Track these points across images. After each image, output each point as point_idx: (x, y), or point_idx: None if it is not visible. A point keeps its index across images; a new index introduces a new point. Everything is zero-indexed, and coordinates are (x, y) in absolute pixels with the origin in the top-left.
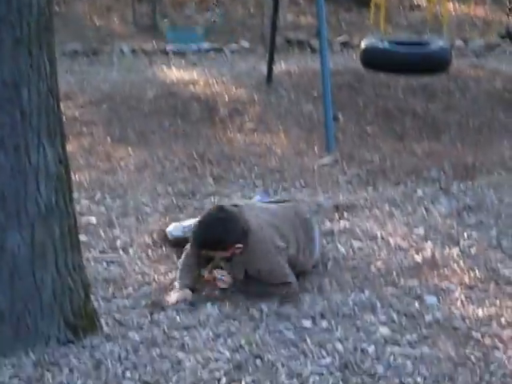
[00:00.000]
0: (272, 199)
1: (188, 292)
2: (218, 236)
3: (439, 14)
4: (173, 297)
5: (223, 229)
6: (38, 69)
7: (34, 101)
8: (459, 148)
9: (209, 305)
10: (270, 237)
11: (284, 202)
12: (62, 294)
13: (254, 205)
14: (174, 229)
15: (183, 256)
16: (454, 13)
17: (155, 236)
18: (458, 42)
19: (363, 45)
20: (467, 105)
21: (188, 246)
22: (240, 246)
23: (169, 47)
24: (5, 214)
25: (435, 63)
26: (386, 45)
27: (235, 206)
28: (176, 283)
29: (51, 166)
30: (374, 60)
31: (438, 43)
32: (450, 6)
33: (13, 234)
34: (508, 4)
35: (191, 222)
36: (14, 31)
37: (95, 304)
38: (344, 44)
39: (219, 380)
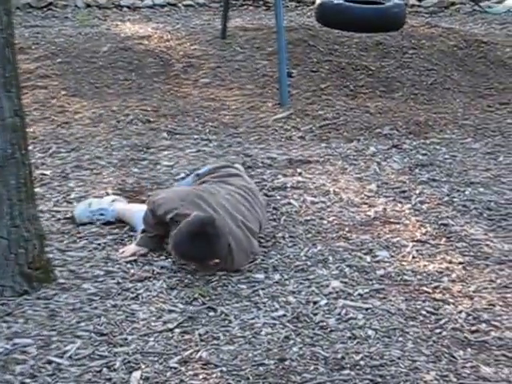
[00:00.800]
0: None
1: (142, 249)
2: (207, 254)
3: None
4: (126, 251)
5: (212, 247)
6: None
7: None
8: (412, 105)
9: (162, 257)
10: (250, 247)
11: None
12: (17, 245)
13: (227, 204)
14: (80, 213)
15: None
16: None
17: (110, 189)
18: (412, 0)
19: (318, 2)
20: (420, 63)
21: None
22: (218, 261)
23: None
24: None
25: (391, 21)
26: (341, 2)
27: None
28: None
29: (7, 118)
30: (329, 17)
31: (393, 1)
32: None
33: None
34: None
35: (98, 203)
36: None
37: (50, 256)
38: (298, 1)
39: (172, 331)
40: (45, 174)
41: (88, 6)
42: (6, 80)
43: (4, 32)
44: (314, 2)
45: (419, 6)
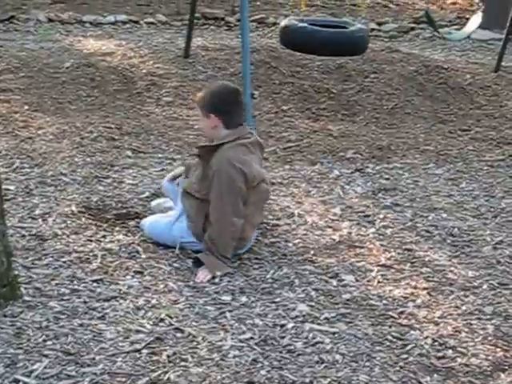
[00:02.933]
0: None
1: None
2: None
3: None
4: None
5: (215, 93)
6: None
7: None
8: (374, 129)
9: (128, 277)
10: (246, 163)
11: None
12: None
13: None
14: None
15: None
16: None
17: (74, 206)
18: (372, 25)
19: (283, 24)
20: (381, 87)
21: None
22: (216, 118)
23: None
24: None
25: (355, 46)
26: (306, 26)
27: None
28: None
29: None
30: (293, 40)
31: (357, 26)
32: None
33: None
34: None
35: None
36: None
37: (15, 272)
38: (260, 22)
39: (140, 352)
40: (9, 190)
41: (50, 20)
42: None
43: None
44: (275, 24)
45: (379, 30)
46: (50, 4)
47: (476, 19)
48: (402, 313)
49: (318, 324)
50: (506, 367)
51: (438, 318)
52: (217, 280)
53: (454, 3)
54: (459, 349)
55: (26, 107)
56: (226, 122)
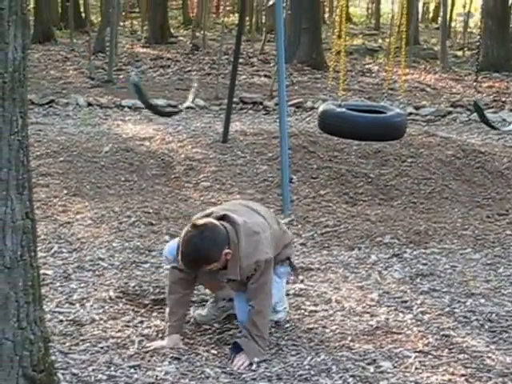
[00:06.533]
0: None
1: (176, 337)
2: (206, 250)
3: (391, 80)
4: (162, 343)
5: (209, 241)
6: (11, 123)
7: (4, 154)
8: (411, 214)
9: (166, 363)
10: (261, 228)
11: None
12: (22, 347)
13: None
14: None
15: (169, 285)
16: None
17: (112, 291)
18: (410, 109)
19: (321, 109)
20: (419, 171)
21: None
22: (228, 250)
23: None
24: None
25: (394, 131)
26: (345, 111)
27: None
28: (166, 327)
29: (18, 220)
30: (332, 125)
31: (395, 110)
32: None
33: None
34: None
35: None
36: None
37: (53, 358)
38: (298, 106)
39: None
40: (47, 274)
41: (89, 104)
42: (18, 182)
43: (19, 134)
44: (313, 108)
45: (416, 114)
46: (90, 88)
47: None
48: None
49: None
50: None
51: None
52: (254, 366)
53: (490, 87)
54: None
55: (65, 191)
56: (228, 243)
